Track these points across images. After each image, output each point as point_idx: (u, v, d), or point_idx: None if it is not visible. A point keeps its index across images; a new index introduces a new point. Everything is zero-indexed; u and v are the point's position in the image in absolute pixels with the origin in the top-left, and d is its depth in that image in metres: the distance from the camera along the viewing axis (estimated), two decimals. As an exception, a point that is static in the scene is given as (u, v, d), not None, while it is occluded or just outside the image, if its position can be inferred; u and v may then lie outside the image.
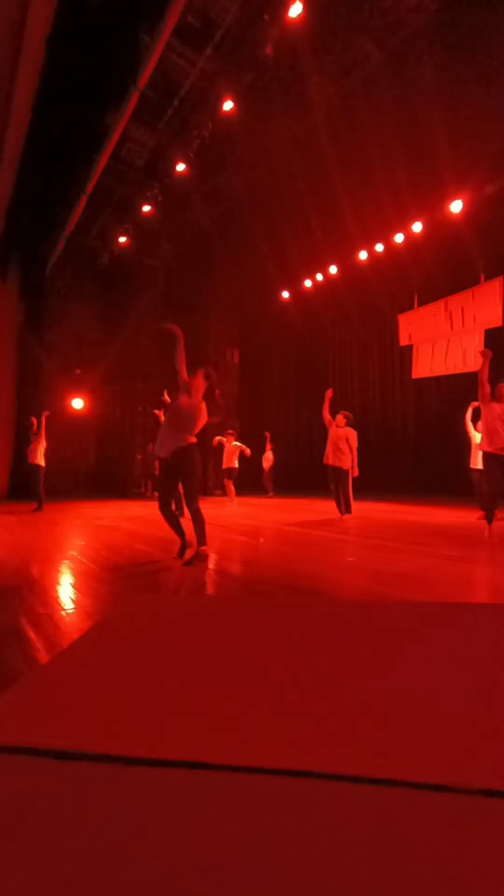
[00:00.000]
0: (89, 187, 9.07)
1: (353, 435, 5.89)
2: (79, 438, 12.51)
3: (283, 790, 0.87)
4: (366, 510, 7.53)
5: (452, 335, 10.88)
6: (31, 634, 1.85)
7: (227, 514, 6.87)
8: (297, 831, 0.77)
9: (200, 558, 3.30)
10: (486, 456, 4.32)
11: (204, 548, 3.36)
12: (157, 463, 11.87)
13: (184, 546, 3.51)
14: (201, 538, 3.36)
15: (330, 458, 5.88)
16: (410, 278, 11.38)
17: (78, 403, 12.28)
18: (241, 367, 15.51)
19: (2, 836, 0.77)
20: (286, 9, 6.06)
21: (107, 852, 0.73)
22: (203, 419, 3.53)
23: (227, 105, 7.42)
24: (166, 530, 3.46)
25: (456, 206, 9.05)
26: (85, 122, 7.69)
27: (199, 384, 3.55)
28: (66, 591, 2.56)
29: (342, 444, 5.82)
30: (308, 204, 9.48)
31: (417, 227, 9.85)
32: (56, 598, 2.41)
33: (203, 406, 3.53)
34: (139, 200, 9.97)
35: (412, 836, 0.75)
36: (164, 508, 3.49)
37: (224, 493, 8.91)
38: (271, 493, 10.64)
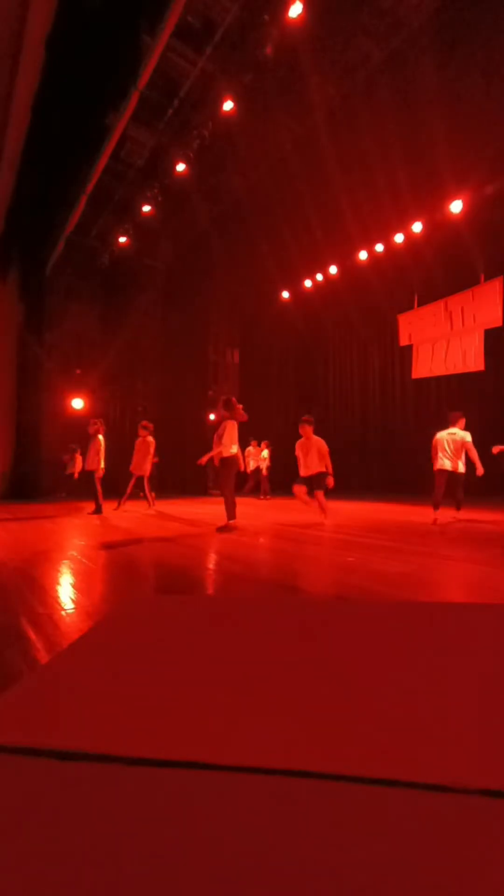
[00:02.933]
0: (89, 187, 9.07)
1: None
2: (79, 438, 12.51)
3: (283, 790, 0.87)
4: (366, 510, 7.53)
5: (452, 335, 10.88)
6: (31, 634, 1.85)
7: (245, 514, 6.82)
8: (297, 831, 0.77)
9: (228, 529, 4.87)
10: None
11: (230, 522, 4.95)
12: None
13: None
14: (228, 515, 4.98)
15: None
16: (410, 278, 11.39)
17: (78, 403, 12.27)
18: (241, 367, 15.51)
19: (2, 836, 0.77)
20: (286, 9, 6.06)
21: (107, 852, 0.73)
22: (223, 433, 4.95)
23: (227, 105, 7.42)
24: (165, 530, 3.48)
25: (456, 206, 9.06)
26: (85, 122, 7.68)
27: (219, 412, 5.10)
28: (66, 591, 2.56)
29: None
30: (308, 204, 9.48)
31: (417, 227, 9.85)
32: (56, 598, 2.41)
33: (225, 424, 4.97)
34: (139, 200, 9.97)
35: (412, 836, 0.75)
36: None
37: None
38: (267, 496, 10.62)
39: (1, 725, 1.10)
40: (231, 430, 4.91)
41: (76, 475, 10.65)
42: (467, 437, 5.90)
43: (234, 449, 4.92)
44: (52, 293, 11.80)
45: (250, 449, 10.85)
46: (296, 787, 0.88)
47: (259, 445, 10.87)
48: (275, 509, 7.89)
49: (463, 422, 6.05)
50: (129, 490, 7.31)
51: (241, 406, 5.09)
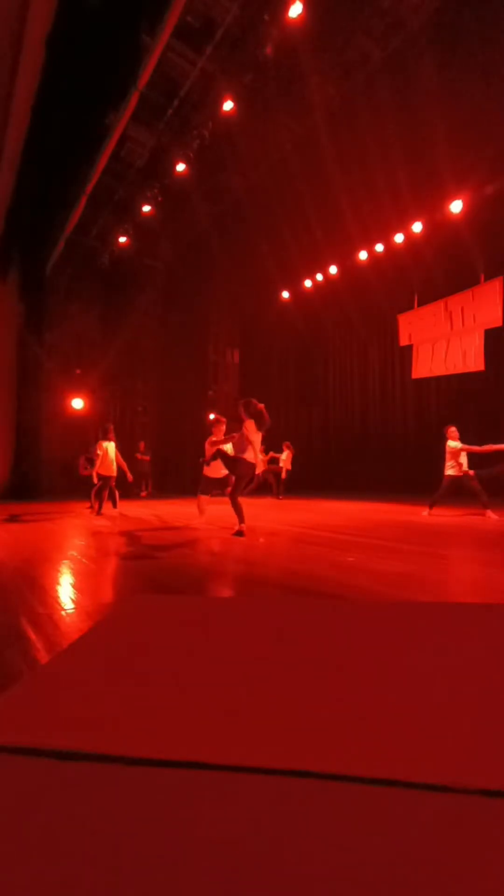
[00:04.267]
0: (89, 187, 9.07)
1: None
2: (79, 438, 12.52)
3: (283, 790, 0.87)
4: (366, 510, 7.53)
5: (452, 335, 10.88)
6: (31, 634, 1.85)
7: (229, 514, 6.85)
8: (297, 831, 0.77)
9: (238, 533, 4.62)
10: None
11: (240, 526, 4.67)
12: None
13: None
14: (239, 520, 4.74)
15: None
16: (410, 278, 11.39)
17: (78, 403, 12.28)
18: (241, 367, 15.51)
19: (2, 837, 0.77)
20: (286, 9, 6.06)
21: (107, 852, 0.73)
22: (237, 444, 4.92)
23: (227, 105, 7.41)
24: (164, 530, 3.48)
25: (456, 206, 9.06)
26: (85, 122, 7.68)
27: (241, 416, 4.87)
28: (66, 591, 2.56)
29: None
30: (308, 204, 9.49)
31: (417, 227, 9.85)
32: (56, 598, 2.41)
33: (241, 432, 4.83)
34: (139, 200, 9.97)
35: (412, 836, 0.75)
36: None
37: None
38: (280, 496, 10.60)
39: (1, 725, 1.10)
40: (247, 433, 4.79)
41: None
42: (449, 444, 6.58)
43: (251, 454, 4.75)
44: (52, 293, 11.80)
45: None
46: (296, 787, 0.88)
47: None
48: (276, 509, 7.89)
49: (451, 431, 6.62)
50: (115, 492, 7.26)
51: (266, 413, 4.86)
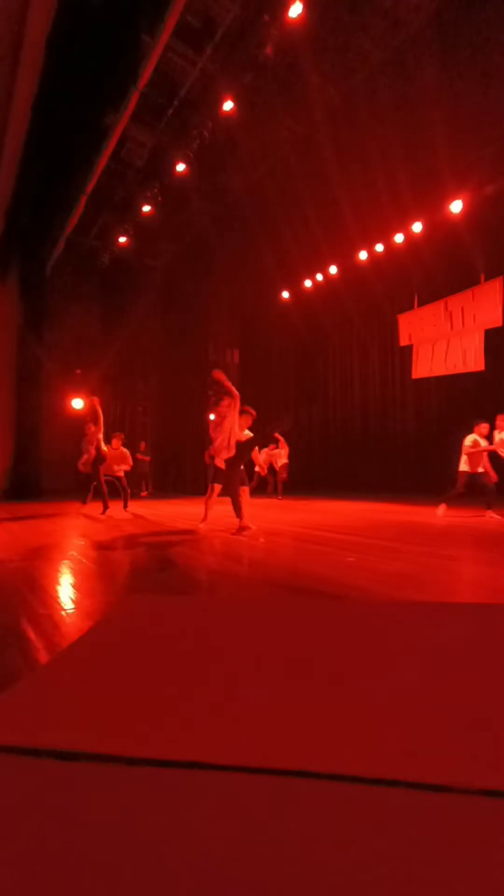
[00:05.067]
0: (89, 187, 9.07)
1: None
2: (79, 438, 12.52)
3: (283, 790, 0.87)
4: (366, 510, 7.53)
5: (452, 335, 10.88)
6: (31, 634, 1.85)
7: (229, 514, 6.84)
8: (297, 831, 0.77)
9: (240, 531, 4.69)
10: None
11: (240, 525, 4.76)
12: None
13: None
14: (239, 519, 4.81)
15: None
16: (410, 278, 11.38)
17: (78, 403, 12.27)
18: (241, 367, 15.50)
19: (2, 837, 0.77)
20: (286, 9, 6.06)
21: (107, 852, 0.73)
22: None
23: (227, 105, 7.41)
24: (165, 530, 3.49)
25: (456, 206, 9.05)
26: (85, 122, 7.68)
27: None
28: (66, 591, 2.56)
29: None
30: (308, 204, 9.48)
31: (417, 227, 9.84)
32: (56, 598, 2.41)
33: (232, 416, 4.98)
34: (139, 200, 9.97)
35: (412, 836, 0.75)
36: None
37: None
38: (280, 496, 10.55)
39: (1, 725, 1.10)
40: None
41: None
42: (467, 440, 6.41)
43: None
44: (52, 293, 11.80)
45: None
46: (296, 787, 0.88)
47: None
48: (276, 509, 7.89)
49: (477, 427, 6.43)
50: (127, 490, 7.32)
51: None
